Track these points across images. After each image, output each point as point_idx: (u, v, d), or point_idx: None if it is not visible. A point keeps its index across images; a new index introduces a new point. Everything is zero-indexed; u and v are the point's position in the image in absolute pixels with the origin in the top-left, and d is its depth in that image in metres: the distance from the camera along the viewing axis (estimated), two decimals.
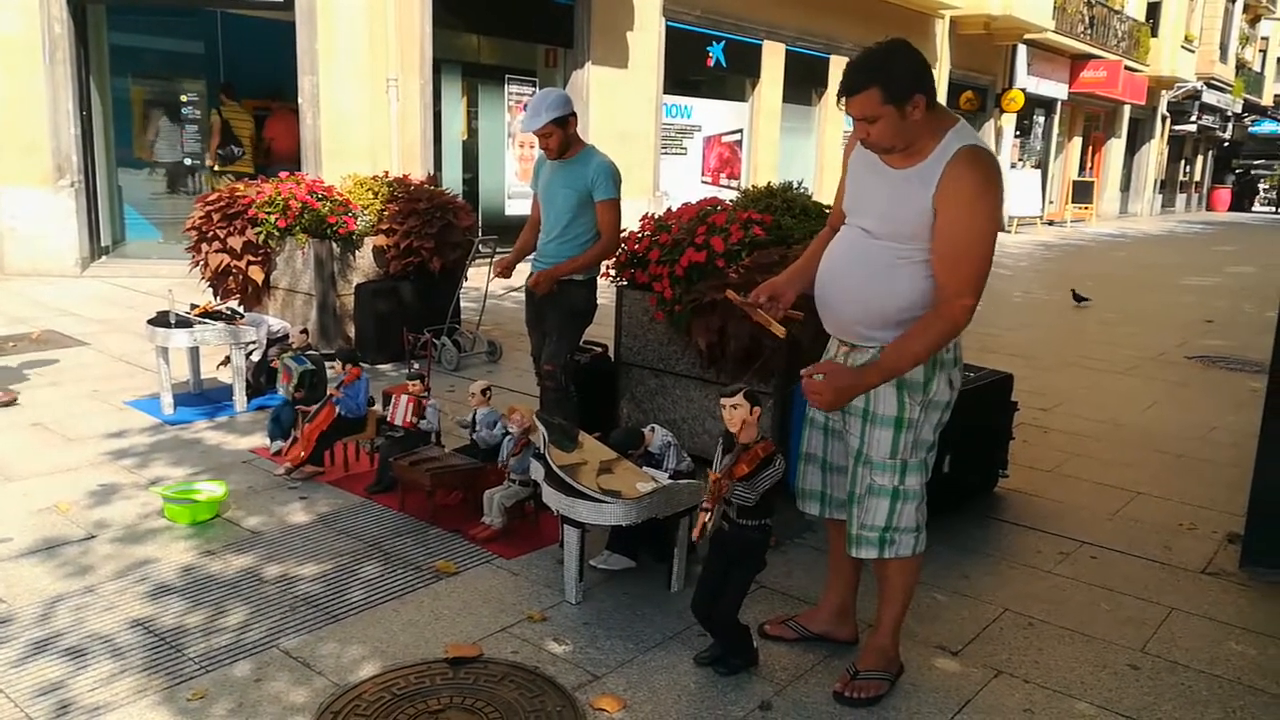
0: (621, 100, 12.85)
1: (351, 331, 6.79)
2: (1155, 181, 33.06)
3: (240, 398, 5.40)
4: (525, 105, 4.32)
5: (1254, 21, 37.91)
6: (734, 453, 2.68)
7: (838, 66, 15.63)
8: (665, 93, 13.78)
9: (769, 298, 2.82)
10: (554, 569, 3.49)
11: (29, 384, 5.77)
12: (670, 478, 3.43)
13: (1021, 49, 21.96)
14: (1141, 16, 27.51)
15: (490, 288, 7.02)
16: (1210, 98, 33.04)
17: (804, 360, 2.94)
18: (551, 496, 3.28)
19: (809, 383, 2.52)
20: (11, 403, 5.36)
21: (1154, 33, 27.99)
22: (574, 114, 4.24)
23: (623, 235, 4.70)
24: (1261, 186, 43.24)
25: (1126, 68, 25.47)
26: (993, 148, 21.74)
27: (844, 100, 2.50)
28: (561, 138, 4.22)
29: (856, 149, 2.71)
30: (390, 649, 2.95)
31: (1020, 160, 24.45)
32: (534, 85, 12.34)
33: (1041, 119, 25.33)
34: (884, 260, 2.58)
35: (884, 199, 2.59)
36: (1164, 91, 30.69)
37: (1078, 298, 10.64)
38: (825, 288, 2.75)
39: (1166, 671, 3.01)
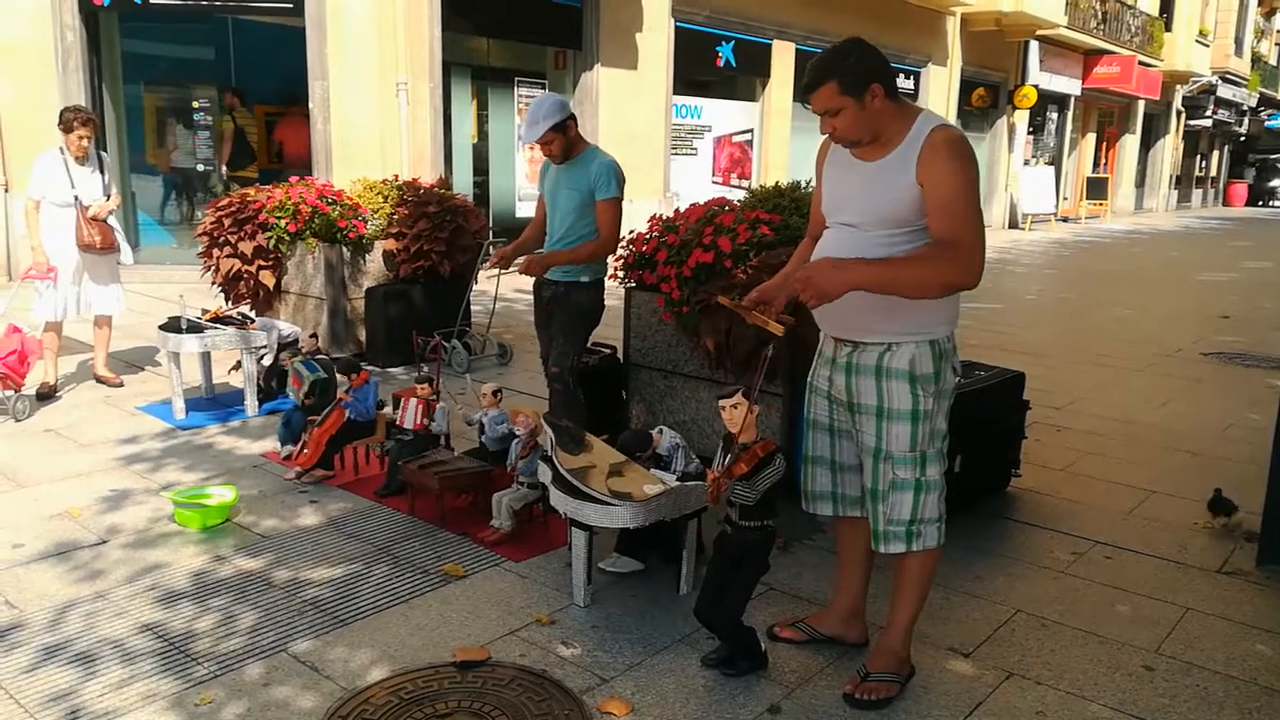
0: (631, 101, 12.85)
1: (362, 335, 6.81)
2: (1170, 177, 32.81)
3: (251, 402, 5.42)
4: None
5: (1269, 15, 37.57)
6: (733, 452, 2.68)
7: None
8: (675, 93, 13.76)
9: (759, 303, 2.82)
10: (562, 572, 3.48)
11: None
12: (679, 480, 3.42)
13: (1033, 45, 21.84)
14: (1155, 11, 27.31)
15: (501, 290, 7.03)
16: (1225, 92, 32.74)
17: (810, 359, 2.95)
18: (559, 499, 3.27)
19: (795, 282, 2.54)
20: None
21: (1168, 27, 27.79)
22: (572, 117, 4.22)
23: (631, 236, 4.70)
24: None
25: (1140, 63, 25.28)
26: (1005, 145, 21.92)
27: (807, 99, 2.59)
28: (563, 142, 4.21)
29: (829, 155, 2.82)
30: (399, 653, 2.94)
31: (1034, 157, 24.32)
32: (544, 87, 12.36)
33: (1055, 115, 25.18)
34: (877, 250, 2.60)
35: (862, 192, 2.64)
36: (1178, 86, 30.46)
37: None
38: None
39: (1182, 673, 2.97)
